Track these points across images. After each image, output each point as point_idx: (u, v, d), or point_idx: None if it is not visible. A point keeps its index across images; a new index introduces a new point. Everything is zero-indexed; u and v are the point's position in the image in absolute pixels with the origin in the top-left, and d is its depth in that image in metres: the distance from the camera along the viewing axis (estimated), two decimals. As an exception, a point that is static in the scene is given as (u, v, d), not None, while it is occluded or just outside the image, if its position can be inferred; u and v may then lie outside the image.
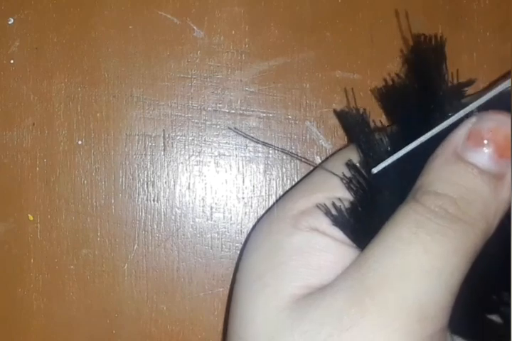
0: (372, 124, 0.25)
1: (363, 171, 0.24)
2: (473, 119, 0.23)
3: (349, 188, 0.24)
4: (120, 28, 0.31)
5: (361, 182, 0.24)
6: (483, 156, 0.22)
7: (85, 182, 0.30)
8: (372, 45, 0.30)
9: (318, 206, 0.24)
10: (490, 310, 0.24)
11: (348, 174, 0.24)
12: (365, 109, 0.25)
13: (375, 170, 0.24)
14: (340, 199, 0.24)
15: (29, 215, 0.30)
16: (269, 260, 0.24)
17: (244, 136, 0.30)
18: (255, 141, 0.30)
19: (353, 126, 0.25)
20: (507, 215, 0.23)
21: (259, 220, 0.27)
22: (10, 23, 0.31)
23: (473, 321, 0.24)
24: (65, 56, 0.31)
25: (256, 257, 0.24)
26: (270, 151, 0.30)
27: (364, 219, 0.24)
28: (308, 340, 0.21)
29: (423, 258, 0.21)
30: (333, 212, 0.24)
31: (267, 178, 0.30)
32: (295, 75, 0.30)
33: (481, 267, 0.23)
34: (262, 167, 0.30)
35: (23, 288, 0.30)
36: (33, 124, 0.31)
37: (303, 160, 0.30)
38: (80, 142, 0.31)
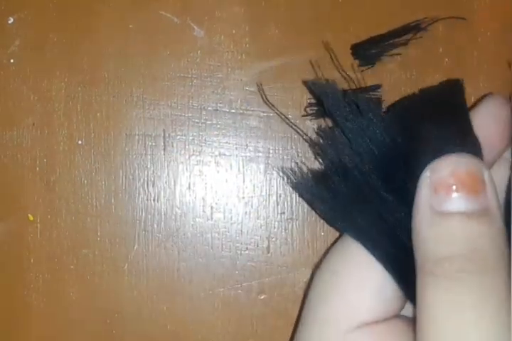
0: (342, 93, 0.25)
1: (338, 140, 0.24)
2: (427, 173, 0.22)
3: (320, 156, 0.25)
4: (120, 28, 0.31)
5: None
6: (461, 200, 0.22)
7: (85, 182, 0.30)
8: (372, 44, 0.30)
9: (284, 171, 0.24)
10: None
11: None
12: (334, 80, 0.26)
13: None
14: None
15: (29, 215, 0.30)
16: None
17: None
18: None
19: (324, 95, 0.25)
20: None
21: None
22: (10, 22, 0.31)
23: None
24: (65, 56, 0.31)
25: None
26: (270, 151, 0.30)
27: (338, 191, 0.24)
28: None
29: (476, 331, 0.21)
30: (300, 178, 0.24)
31: (268, 178, 0.30)
32: (295, 75, 0.30)
33: None
34: (262, 166, 0.30)
35: (23, 288, 0.30)
36: (33, 124, 0.31)
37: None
38: (80, 142, 0.31)
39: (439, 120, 0.23)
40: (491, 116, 0.24)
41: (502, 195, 0.24)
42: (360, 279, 0.24)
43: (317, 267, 0.26)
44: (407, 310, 0.25)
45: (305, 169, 0.24)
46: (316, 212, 0.24)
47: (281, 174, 0.24)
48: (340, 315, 0.24)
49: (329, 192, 0.24)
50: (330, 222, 0.24)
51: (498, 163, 0.25)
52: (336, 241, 0.26)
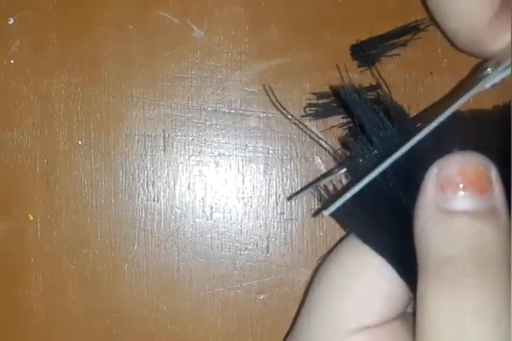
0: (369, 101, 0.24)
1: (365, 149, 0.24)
2: (434, 170, 0.22)
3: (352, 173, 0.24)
4: (120, 28, 0.31)
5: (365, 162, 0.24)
6: (467, 199, 0.22)
7: (85, 182, 0.30)
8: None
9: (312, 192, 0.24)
10: None
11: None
12: (360, 85, 0.25)
13: (326, 213, 0.23)
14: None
15: (29, 215, 0.30)
16: None
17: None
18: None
19: (354, 104, 0.24)
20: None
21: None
22: (10, 23, 0.31)
23: None
24: (65, 56, 0.31)
25: None
26: (270, 151, 0.30)
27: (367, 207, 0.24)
28: None
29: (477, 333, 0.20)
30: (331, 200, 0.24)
31: (267, 178, 0.30)
32: (295, 75, 0.30)
33: None
34: (261, 167, 0.30)
35: (23, 288, 0.30)
36: (33, 124, 0.31)
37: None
38: (79, 142, 0.31)
39: (471, 136, 0.23)
40: None
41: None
42: (371, 283, 0.24)
43: (321, 265, 0.26)
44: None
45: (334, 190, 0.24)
46: (352, 231, 0.24)
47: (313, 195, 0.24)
48: (347, 317, 0.24)
49: (364, 211, 0.24)
50: (364, 240, 0.24)
51: None
52: (342, 239, 0.26)
